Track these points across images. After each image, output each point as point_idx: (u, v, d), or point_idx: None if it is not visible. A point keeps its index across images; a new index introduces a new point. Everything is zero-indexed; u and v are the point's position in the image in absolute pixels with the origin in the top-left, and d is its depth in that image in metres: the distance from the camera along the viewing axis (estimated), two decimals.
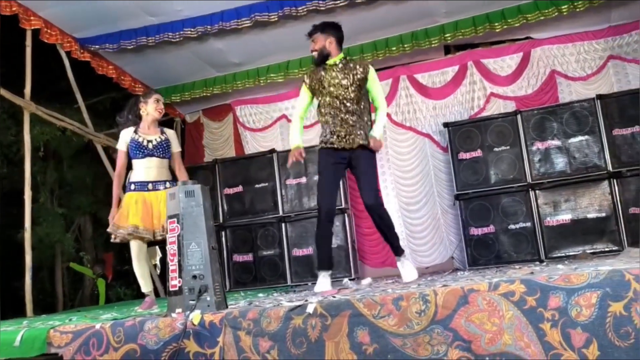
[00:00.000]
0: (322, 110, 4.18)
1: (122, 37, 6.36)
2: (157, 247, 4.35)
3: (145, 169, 4.17)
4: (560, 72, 7.13)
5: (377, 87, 4.23)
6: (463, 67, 7.40)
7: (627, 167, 6.01)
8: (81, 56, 6.56)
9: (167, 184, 4.19)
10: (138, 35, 6.32)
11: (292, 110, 8.02)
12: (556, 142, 6.28)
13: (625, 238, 5.88)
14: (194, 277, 2.84)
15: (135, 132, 4.23)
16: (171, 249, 2.91)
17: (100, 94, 9.92)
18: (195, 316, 2.65)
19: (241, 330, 2.57)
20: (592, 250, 5.91)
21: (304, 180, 7.12)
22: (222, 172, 7.39)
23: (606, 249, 5.92)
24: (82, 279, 11.35)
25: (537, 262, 5.85)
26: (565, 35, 7.12)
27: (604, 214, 6.05)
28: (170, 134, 4.43)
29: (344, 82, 4.08)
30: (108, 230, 4.18)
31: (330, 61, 4.18)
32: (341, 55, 4.23)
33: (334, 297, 2.88)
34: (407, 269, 4.15)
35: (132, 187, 4.16)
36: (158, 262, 4.47)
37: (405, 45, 6.89)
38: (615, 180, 6.03)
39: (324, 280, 4.01)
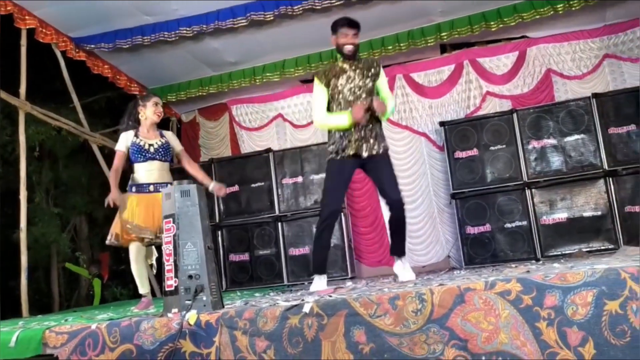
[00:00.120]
0: (335, 110, 4.02)
1: (118, 37, 6.35)
2: (153, 247, 4.34)
3: (147, 172, 4.17)
4: (556, 71, 7.14)
5: (386, 85, 4.17)
6: (459, 66, 7.40)
7: (622, 166, 6.02)
8: (76, 55, 6.55)
9: (169, 187, 4.18)
10: (133, 35, 6.31)
11: (287, 109, 8.05)
12: (552, 141, 6.29)
13: (621, 236, 5.90)
14: (190, 277, 2.83)
15: (136, 135, 4.21)
16: (167, 248, 2.91)
17: (96, 93, 9.90)
18: (192, 316, 2.65)
19: (237, 330, 2.57)
20: (588, 249, 5.92)
21: (300, 179, 7.12)
22: (218, 171, 7.38)
23: (602, 248, 5.93)
24: (78, 279, 11.33)
25: (533, 261, 5.85)
26: (560, 34, 7.13)
27: (599, 213, 6.06)
28: (169, 135, 4.45)
29: (362, 81, 3.99)
30: (113, 232, 4.17)
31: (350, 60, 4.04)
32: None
33: (331, 296, 2.87)
34: (406, 271, 4.12)
35: (133, 189, 4.16)
36: (154, 262, 4.46)
37: (402, 44, 6.89)
38: (611, 179, 6.04)
39: (319, 282, 4.00)
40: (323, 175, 6.97)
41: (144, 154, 4.16)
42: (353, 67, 4.00)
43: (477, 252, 6.34)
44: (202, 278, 2.84)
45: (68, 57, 6.55)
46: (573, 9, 6.25)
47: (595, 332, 2.19)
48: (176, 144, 4.44)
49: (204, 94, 7.78)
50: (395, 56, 7.22)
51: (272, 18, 6.11)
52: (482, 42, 7.41)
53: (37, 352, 2.85)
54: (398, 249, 4.17)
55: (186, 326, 2.62)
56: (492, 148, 6.46)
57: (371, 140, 3.96)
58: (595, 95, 6.26)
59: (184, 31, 6.24)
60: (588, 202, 6.11)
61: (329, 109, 4.05)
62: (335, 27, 4.05)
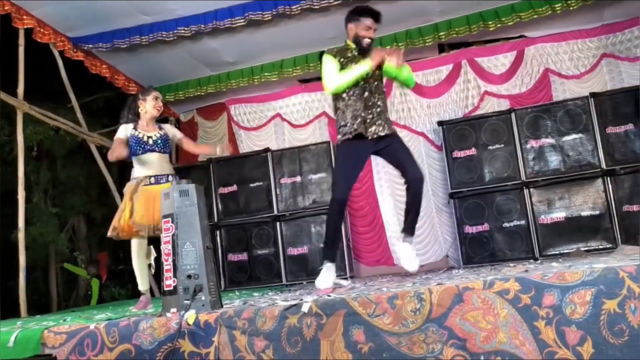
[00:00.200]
0: (347, 95, 3.94)
1: (116, 36, 6.34)
2: (151, 246, 4.35)
3: (146, 164, 4.19)
4: (554, 71, 7.15)
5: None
6: (457, 66, 7.41)
7: (620, 165, 6.03)
8: (74, 55, 6.53)
9: (170, 177, 4.21)
10: (132, 35, 6.30)
11: (286, 109, 8.05)
12: (550, 140, 6.30)
13: (619, 236, 5.90)
14: (189, 276, 2.83)
15: (135, 128, 4.24)
16: (166, 248, 2.91)
17: (94, 93, 9.88)
18: (190, 316, 2.65)
19: (236, 330, 2.57)
20: (586, 248, 5.93)
21: (298, 179, 7.12)
22: (216, 171, 7.38)
23: (600, 247, 5.94)
24: (76, 279, 11.31)
25: (532, 260, 5.86)
26: (558, 33, 7.14)
27: (597, 212, 6.06)
28: (168, 127, 4.50)
29: (374, 70, 3.94)
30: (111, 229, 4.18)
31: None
32: None
33: (329, 296, 2.87)
34: (412, 259, 4.02)
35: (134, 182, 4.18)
36: (152, 262, 4.47)
37: (400, 44, 6.89)
38: (609, 178, 6.05)
39: (329, 272, 3.95)
40: (321, 174, 7.08)
41: (142, 145, 4.18)
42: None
43: (475, 252, 6.34)
44: (201, 278, 2.84)
45: (66, 57, 6.53)
46: (571, 8, 6.25)
47: (593, 331, 2.19)
48: (175, 132, 4.50)
49: (202, 93, 7.78)
50: None
51: (270, 18, 6.11)
52: (480, 41, 7.41)
53: (36, 352, 2.85)
54: (411, 226, 4.07)
55: (185, 326, 2.62)
56: (490, 147, 6.46)
57: (382, 122, 3.94)
58: (593, 94, 6.26)
59: (182, 31, 6.23)
60: (586, 201, 6.11)
61: (338, 97, 3.98)
62: (355, 16, 3.96)
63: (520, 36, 7.29)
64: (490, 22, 6.57)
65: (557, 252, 6.04)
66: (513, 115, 6.43)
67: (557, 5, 6.26)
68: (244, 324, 2.57)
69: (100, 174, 7.46)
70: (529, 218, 6.19)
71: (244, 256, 7.11)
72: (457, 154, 6.54)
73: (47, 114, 6.43)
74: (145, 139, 4.21)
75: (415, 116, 7.49)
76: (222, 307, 2.94)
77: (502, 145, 6.42)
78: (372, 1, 6.25)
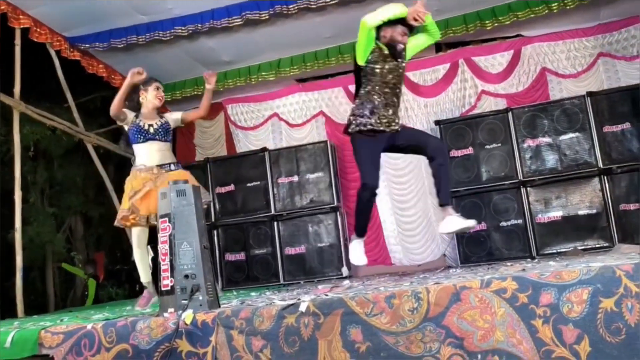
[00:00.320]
0: (370, 89, 4.00)
1: (113, 36, 6.33)
2: (149, 246, 4.34)
3: (148, 153, 4.18)
4: (550, 70, 7.15)
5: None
6: (454, 65, 7.41)
7: (617, 164, 6.05)
8: (71, 55, 6.52)
9: (172, 166, 4.22)
10: (128, 34, 6.29)
11: (283, 108, 8.05)
12: (547, 139, 6.31)
13: (615, 234, 5.92)
14: (186, 276, 2.83)
15: (137, 116, 4.24)
16: (163, 248, 2.90)
17: (91, 92, 9.85)
18: (188, 316, 2.64)
19: (234, 330, 2.56)
20: (583, 247, 5.94)
21: (295, 178, 7.12)
22: (213, 171, 7.38)
23: (597, 246, 5.95)
24: (74, 279, 11.28)
25: (529, 259, 5.87)
26: (555, 32, 7.15)
27: (594, 211, 6.08)
28: (168, 115, 4.49)
29: (401, 68, 4.01)
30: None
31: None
32: None
33: (327, 295, 2.88)
34: (460, 219, 3.93)
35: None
36: (150, 262, 4.46)
37: None
38: (605, 177, 6.06)
39: (360, 246, 4.08)
40: (319, 174, 7.08)
41: (143, 134, 4.17)
42: (394, 64, 3.99)
43: (472, 251, 6.35)
44: (198, 277, 2.83)
45: (62, 57, 6.52)
46: (567, 7, 6.26)
47: (590, 330, 2.20)
48: (176, 116, 4.48)
49: (200, 93, 7.76)
50: None
51: (267, 17, 6.10)
52: (477, 41, 7.42)
53: (33, 352, 2.84)
54: (447, 196, 4.05)
55: (182, 326, 2.61)
56: (487, 147, 6.47)
57: (396, 119, 4.00)
58: (589, 93, 6.28)
59: (179, 30, 6.22)
60: (583, 200, 6.13)
61: (361, 83, 4.08)
62: (394, 21, 3.97)
63: (517, 35, 7.29)
64: (487, 22, 6.58)
65: (554, 251, 6.05)
66: (510, 114, 6.44)
67: (553, 5, 6.27)
68: (242, 323, 2.56)
69: (97, 173, 7.44)
70: (526, 217, 6.20)
71: (241, 256, 7.11)
72: (454, 153, 6.55)
73: (44, 114, 6.42)
74: (146, 127, 4.21)
75: (413, 115, 7.49)
76: (219, 306, 2.94)
77: (499, 145, 6.43)
78: (370, 1, 6.26)
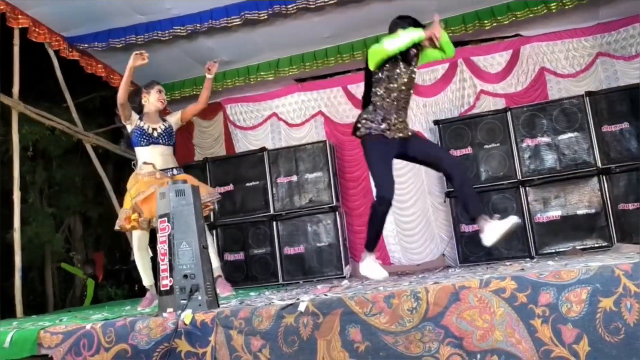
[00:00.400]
0: (383, 94, 3.96)
1: (111, 36, 6.32)
2: (147, 246, 4.34)
3: (151, 156, 4.18)
4: (549, 69, 7.16)
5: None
6: (453, 65, 7.41)
7: (616, 164, 6.06)
8: (70, 55, 6.52)
9: (175, 171, 4.21)
10: (127, 34, 6.28)
11: (282, 108, 8.04)
12: (546, 139, 6.31)
13: (614, 234, 5.93)
14: (185, 276, 2.82)
15: (140, 119, 4.22)
16: (162, 248, 2.90)
17: (90, 92, 9.85)
18: (187, 315, 2.64)
19: (233, 329, 2.56)
20: (582, 247, 5.94)
21: (294, 178, 7.12)
22: (212, 170, 7.38)
23: (596, 245, 5.96)
24: (73, 279, 11.28)
25: (528, 259, 5.87)
26: (554, 32, 7.15)
27: (593, 210, 6.08)
28: (169, 117, 4.52)
29: (412, 74, 4.02)
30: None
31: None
32: None
33: (326, 295, 2.88)
34: (501, 223, 3.75)
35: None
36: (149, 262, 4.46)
37: None
38: (604, 177, 6.07)
39: (374, 262, 4.02)
40: (318, 174, 7.08)
41: (146, 137, 4.16)
42: (405, 69, 4.00)
43: (471, 250, 6.35)
44: (197, 277, 2.83)
45: (61, 57, 6.52)
46: (566, 7, 6.26)
47: (589, 330, 2.20)
48: (177, 116, 4.51)
49: (198, 93, 7.73)
50: None
51: (266, 17, 6.10)
52: (475, 40, 7.42)
53: (32, 352, 2.84)
54: (479, 206, 3.94)
55: (181, 326, 2.61)
56: (486, 146, 6.47)
57: (406, 125, 4.04)
58: (588, 93, 6.28)
59: (178, 30, 6.22)
60: (582, 199, 6.13)
61: (371, 87, 3.99)
62: (407, 24, 4.05)
63: (516, 35, 7.29)
64: (486, 21, 6.57)
65: (553, 251, 6.05)
66: (509, 114, 6.44)
67: (552, 4, 6.27)
68: (241, 323, 2.56)
69: (96, 173, 7.44)
70: (525, 217, 6.20)
71: (240, 256, 7.11)
72: (453, 152, 6.54)
73: (43, 114, 6.41)
74: (150, 130, 4.20)
75: (411, 115, 7.47)
76: (218, 306, 2.93)
77: (498, 144, 6.44)
78: (368, 0, 6.27)
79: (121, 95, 4.14)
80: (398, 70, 3.97)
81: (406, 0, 6.29)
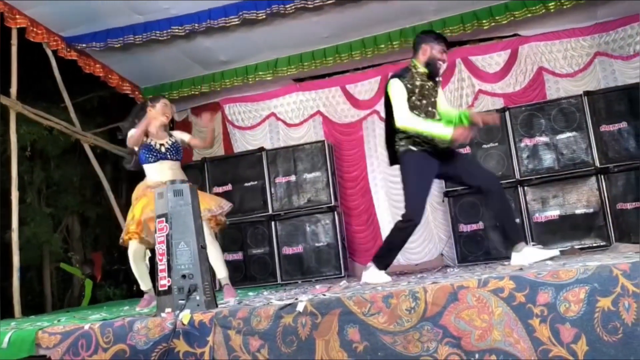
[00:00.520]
0: (422, 112, 3.86)
1: (109, 36, 6.31)
2: (143, 257, 4.34)
3: (159, 172, 4.15)
4: (547, 69, 7.16)
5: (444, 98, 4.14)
6: (451, 65, 7.40)
7: (614, 163, 6.06)
8: (68, 55, 6.51)
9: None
10: (125, 34, 6.28)
11: (280, 108, 8.03)
12: (544, 139, 6.32)
13: (612, 233, 5.93)
14: (183, 276, 2.83)
15: (146, 136, 4.19)
16: (160, 248, 2.90)
17: (88, 92, 9.84)
18: (185, 316, 2.64)
19: (231, 330, 2.56)
20: (580, 246, 5.94)
21: (293, 178, 7.12)
22: (211, 170, 7.37)
23: (594, 245, 5.96)
24: (71, 279, 11.28)
25: None
26: (552, 32, 7.15)
27: (591, 210, 6.09)
28: (177, 133, 4.47)
29: (434, 87, 3.96)
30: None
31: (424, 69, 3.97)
32: None
33: (324, 295, 2.87)
34: (539, 252, 3.74)
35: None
36: (147, 262, 4.46)
37: (394, 43, 6.89)
38: (602, 176, 6.07)
39: (379, 272, 3.85)
40: (316, 174, 7.08)
41: (154, 154, 4.14)
42: (430, 82, 3.95)
43: (470, 250, 6.35)
44: (196, 277, 2.83)
45: (59, 57, 6.51)
46: (564, 7, 6.27)
47: (587, 329, 2.20)
48: (183, 136, 4.45)
49: (196, 93, 7.76)
50: (387, 55, 7.21)
51: (264, 17, 6.10)
52: (474, 40, 7.42)
53: (31, 352, 2.84)
54: (519, 232, 3.90)
55: (180, 326, 2.61)
56: (484, 146, 6.47)
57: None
58: (586, 93, 6.28)
59: (176, 30, 6.21)
60: (580, 199, 6.14)
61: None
62: (433, 39, 3.98)
63: (514, 35, 7.29)
64: (484, 21, 6.58)
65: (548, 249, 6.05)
66: (507, 113, 6.44)
67: (550, 4, 6.27)
68: (239, 323, 2.56)
69: (94, 173, 7.43)
70: (523, 216, 6.21)
71: (238, 256, 7.10)
72: None
73: (41, 114, 6.41)
74: (157, 147, 4.17)
75: None
76: (216, 306, 2.93)
77: (497, 144, 6.44)
78: (367, 0, 6.27)
79: (133, 143, 4.14)
80: (426, 86, 3.91)
81: (405, 1, 6.30)
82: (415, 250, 7.28)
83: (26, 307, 6.44)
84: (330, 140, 7.51)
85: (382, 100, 7.61)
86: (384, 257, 3.94)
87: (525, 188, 6.28)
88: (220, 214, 4.24)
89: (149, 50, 6.80)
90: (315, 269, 6.88)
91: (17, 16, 5.79)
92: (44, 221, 10.02)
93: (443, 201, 6.78)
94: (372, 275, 3.85)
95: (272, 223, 7.05)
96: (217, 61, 7.34)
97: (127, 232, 4.10)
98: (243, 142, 8.09)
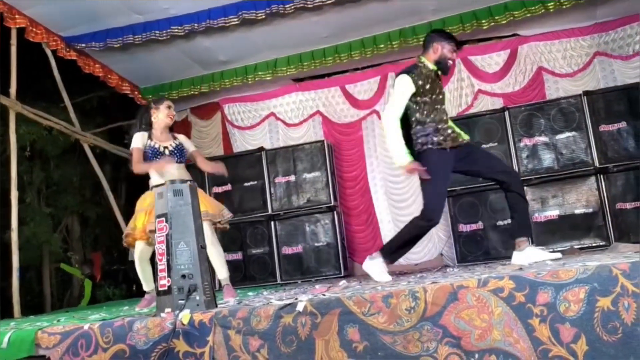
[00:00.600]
0: (426, 110, 3.86)
1: (109, 36, 6.31)
2: (149, 259, 4.34)
3: (164, 174, 4.15)
4: (547, 69, 7.16)
5: None
6: (451, 65, 7.40)
7: (613, 163, 6.06)
8: (67, 55, 6.51)
9: (188, 183, 4.20)
10: (124, 34, 6.28)
11: (280, 108, 8.03)
12: (543, 139, 6.32)
13: (612, 233, 5.93)
14: (183, 276, 2.82)
15: (150, 138, 4.20)
16: (160, 248, 2.90)
17: (87, 92, 9.83)
18: (185, 316, 2.64)
19: (231, 329, 2.56)
20: (579, 246, 5.94)
21: (292, 178, 7.12)
22: None
23: (594, 245, 5.96)
24: (71, 279, 11.27)
25: None
26: (551, 32, 7.15)
27: (591, 210, 6.09)
28: (182, 137, 4.48)
29: (440, 85, 3.99)
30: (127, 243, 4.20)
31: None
32: None
33: (324, 295, 2.87)
34: (540, 252, 3.79)
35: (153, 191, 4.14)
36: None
37: (393, 43, 6.89)
38: (602, 176, 6.07)
39: (383, 265, 3.82)
40: (316, 173, 7.08)
41: (159, 156, 4.15)
42: (438, 80, 3.98)
43: (469, 250, 6.36)
44: (195, 277, 2.83)
45: (59, 57, 6.51)
46: (564, 7, 6.27)
47: (587, 329, 2.20)
48: (189, 145, 4.47)
49: (196, 92, 7.76)
50: (387, 55, 7.22)
51: (263, 17, 6.10)
52: (473, 40, 7.41)
53: (30, 353, 2.84)
54: (530, 229, 3.94)
55: (179, 326, 2.61)
56: (484, 146, 6.45)
57: (459, 133, 3.95)
58: (586, 92, 6.29)
59: (176, 30, 6.21)
60: (579, 199, 6.14)
61: (413, 111, 3.88)
62: (445, 38, 3.99)
63: (514, 35, 7.30)
64: (483, 21, 6.58)
65: (551, 250, 6.03)
66: (507, 113, 6.44)
67: (550, 4, 6.27)
68: (239, 323, 2.56)
69: (93, 173, 7.42)
70: None
71: (238, 255, 7.10)
72: None
73: (40, 114, 6.41)
74: (161, 149, 4.18)
75: None
76: (216, 306, 2.93)
77: (496, 144, 6.43)
78: (366, 0, 6.26)
79: (137, 171, 4.17)
80: (436, 83, 3.93)
81: (404, 0, 6.30)
82: (414, 250, 7.24)
83: (25, 307, 6.44)
84: (330, 140, 7.51)
85: (382, 100, 7.68)
86: (394, 251, 3.93)
87: (525, 188, 6.26)
88: (219, 221, 4.24)
89: (148, 50, 6.80)
90: (314, 269, 6.88)
91: (17, 16, 5.79)
92: (44, 221, 10.02)
93: None
94: (376, 266, 3.81)
95: (272, 223, 7.05)
96: (216, 61, 7.34)
97: (132, 236, 4.11)
98: (242, 142, 8.09)
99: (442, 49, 3.94)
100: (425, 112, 3.87)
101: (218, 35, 6.61)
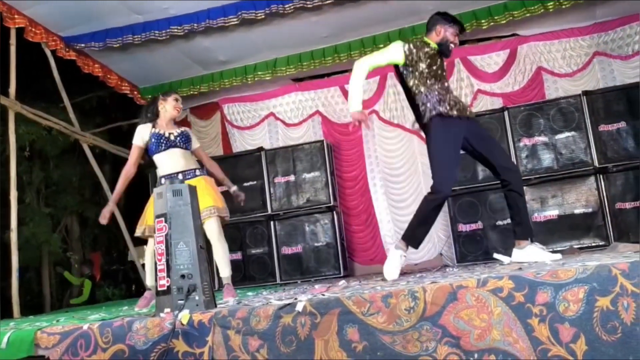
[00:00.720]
0: (428, 83, 3.78)
1: (108, 36, 6.32)
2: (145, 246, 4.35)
3: (171, 160, 4.16)
4: (546, 69, 7.17)
5: None
6: (450, 64, 7.41)
7: (613, 163, 6.06)
8: (66, 55, 6.51)
9: (197, 172, 4.23)
10: (124, 34, 6.28)
11: (279, 107, 8.03)
12: (543, 139, 6.32)
13: (611, 233, 5.93)
14: (183, 276, 2.82)
15: (154, 127, 4.22)
16: (159, 248, 2.89)
17: (87, 92, 9.84)
18: (184, 316, 2.64)
19: (230, 329, 2.56)
20: (579, 246, 5.94)
21: (292, 178, 7.12)
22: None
23: (593, 244, 5.97)
24: None
25: None
26: (551, 32, 7.16)
27: (590, 210, 6.09)
28: (188, 130, 4.48)
29: (442, 63, 3.93)
30: (137, 234, 4.19)
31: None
32: None
33: (323, 295, 2.87)
34: (543, 252, 3.74)
35: (163, 181, 4.14)
36: None
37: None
38: (601, 176, 6.08)
39: (400, 260, 3.73)
40: (315, 173, 7.08)
41: (164, 142, 4.15)
42: (438, 58, 3.92)
43: (469, 250, 6.36)
44: (195, 277, 2.83)
45: (58, 57, 6.51)
46: (563, 7, 6.28)
47: (586, 329, 2.20)
48: (194, 140, 4.47)
49: (195, 93, 7.76)
50: None
51: (263, 16, 6.10)
52: (473, 40, 7.43)
53: (29, 353, 2.83)
54: (531, 229, 3.88)
55: (179, 326, 2.61)
56: None
57: (465, 105, 3.86)
58: (585, 92, 6.29)
59: (175, 30, 6.22)
60: (579, 199, 6.14)
61: (411, 84, 3.86)
62: (449, 21, 3.96)
63: (513, 34, 7.30)
64: (483, 21, 6.58)
65: (550, 250, 6.02)
66: (506, 113, 6.45)
67: (549, 4, 6.28)
68: (238, 323, 2.56)
69: (93, 173, 7.43)
70: None
71: (238, 255, 7.10)
72: None
73: (40, 114, 6.41)
74: (166, 135, 4.20)
75: (409, 115, 7.44)
76: (216, 306, 2.93)
77: None
78: (366, 0, 6.27)
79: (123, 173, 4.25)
80: (436, 62, 3.87)
81: (404, 0, 6.30)
82: (414, 250, 7.27)
83: (25, 307, 6.44)
84: (329, 140, 7.51)
85: (382, 100, 7.69)
86: (413, 233, 3.81)
87: (524, 188, 6.27)
88: (225, 216, 4.29)
89: (148, 50, 6.80)
90: (314, 269, 6.88)
91: (16, 16, 5.79)
92: (43, 221, 10.03)
93: None
94: (395, 259, 3.71)
95: (271, 223, 7.05)
96: (216, 61, 7.34)
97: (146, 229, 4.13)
98: (242, 142, 8.10)
99: (444, 32, 3.93)
100: (423, 80, 3.79)
101: (217, 35, 6.61)
